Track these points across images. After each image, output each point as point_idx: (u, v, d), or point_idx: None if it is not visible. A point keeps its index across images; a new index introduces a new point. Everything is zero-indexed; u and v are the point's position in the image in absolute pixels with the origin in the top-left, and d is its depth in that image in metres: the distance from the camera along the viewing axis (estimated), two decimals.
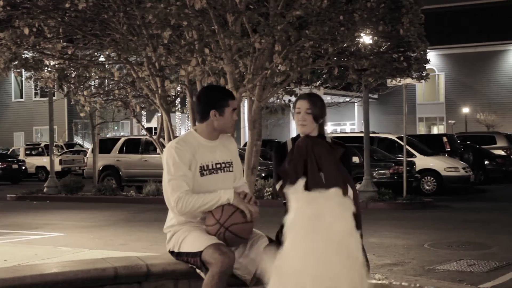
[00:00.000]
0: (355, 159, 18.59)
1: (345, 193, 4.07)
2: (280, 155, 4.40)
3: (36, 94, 40.75)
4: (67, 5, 6.68)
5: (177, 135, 6.96)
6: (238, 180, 4.41)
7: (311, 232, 3.58)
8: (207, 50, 6.65)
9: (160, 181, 4.38)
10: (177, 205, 4.06)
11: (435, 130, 45.38)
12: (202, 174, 4.17)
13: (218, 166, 4.25)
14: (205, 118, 4.22)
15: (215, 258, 3.91)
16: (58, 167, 28.28)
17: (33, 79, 8.45)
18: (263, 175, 18.50)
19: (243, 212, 4.05)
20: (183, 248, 4.16)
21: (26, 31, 6.72)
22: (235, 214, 4.04)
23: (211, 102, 4.22)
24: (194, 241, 4.08)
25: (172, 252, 4.29)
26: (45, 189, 20.60)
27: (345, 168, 4.32)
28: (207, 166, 4.20)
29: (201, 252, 4.00)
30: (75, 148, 35.07)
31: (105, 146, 22.15)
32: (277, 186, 4.39)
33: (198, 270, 4.17)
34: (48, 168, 23.21)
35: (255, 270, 4.07)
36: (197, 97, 4.38)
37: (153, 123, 37.60)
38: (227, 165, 4.30)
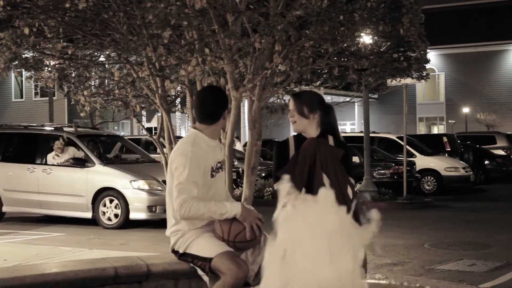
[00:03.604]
0: (355, 159, 18.60)
1: (346, 197, 4.03)
2: (281, 154, 4.33)
3: (36, 94, 40.71)
4: (67, 5, 6.67)
5: (177, 135, 6.94)
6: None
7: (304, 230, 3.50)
8: (207, 50, 6.64)
9: None
10: (180, 208, 3.91)
11: (435, 130, 45.37)
12: (212, 176, 4.12)
13: (219, 165, 4.25)
14: (217, 119, 4.16)
15: (230, 269, 3.86)
16: None
17: (33, 79, 8.45)
18: (263, 175, 18.50)
19: (251, 229, 3.99)
20: (191, 250, 4.09)
21: (26, 31, 6.72)
22: (243, 232, 3.99)
23: (224, 103, 4.19)
24: (206, 245, 4.02)
25: (175, 252, 4.23)
26: None
27: (346, 171, 4.22)
28: (213, 167, 4.17)
29: (211, 258, 3.95)
30: None
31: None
32: (276, 186, 4.36)
33: (200, 272, 4.14)
34: None
35: (258, 269, 4.04)
36: (204, 98, 4.24)
37: (153, 123, 37.57)
38: (222, 164, 4.30)
